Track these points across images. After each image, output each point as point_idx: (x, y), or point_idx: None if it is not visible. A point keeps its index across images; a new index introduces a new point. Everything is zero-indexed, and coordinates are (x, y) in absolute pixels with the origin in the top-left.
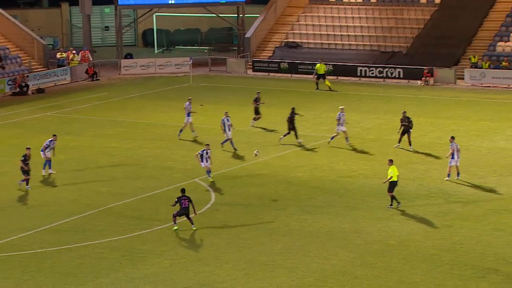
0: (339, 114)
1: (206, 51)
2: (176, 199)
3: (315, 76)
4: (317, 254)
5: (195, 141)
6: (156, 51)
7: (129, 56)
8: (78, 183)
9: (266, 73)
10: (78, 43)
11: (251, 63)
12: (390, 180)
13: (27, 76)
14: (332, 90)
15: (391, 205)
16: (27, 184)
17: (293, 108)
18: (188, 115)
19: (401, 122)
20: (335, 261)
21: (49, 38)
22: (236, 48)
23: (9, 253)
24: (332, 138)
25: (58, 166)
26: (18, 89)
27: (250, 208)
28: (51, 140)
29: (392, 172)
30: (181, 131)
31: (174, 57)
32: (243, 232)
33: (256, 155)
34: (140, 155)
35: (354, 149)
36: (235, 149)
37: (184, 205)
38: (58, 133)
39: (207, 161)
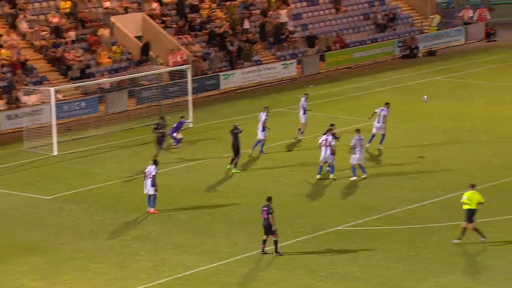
0: None
1: None
2: None
3: None
4: None
5: None
6: None
7: None
8: (470, 154)
9: None
10: (475, 0)
11: None
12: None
13: (417, 38)
14: None
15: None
16: None
17: None
18: None
19: None
20: None
21: None
22: None
23: (394, 226)
24: None
25: (445, 134)
26: (408, 52)
27: None
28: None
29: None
30: None
31: None
32: None
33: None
34: None
35: None
36: None
37: None
38: (447, 98)
39: None
